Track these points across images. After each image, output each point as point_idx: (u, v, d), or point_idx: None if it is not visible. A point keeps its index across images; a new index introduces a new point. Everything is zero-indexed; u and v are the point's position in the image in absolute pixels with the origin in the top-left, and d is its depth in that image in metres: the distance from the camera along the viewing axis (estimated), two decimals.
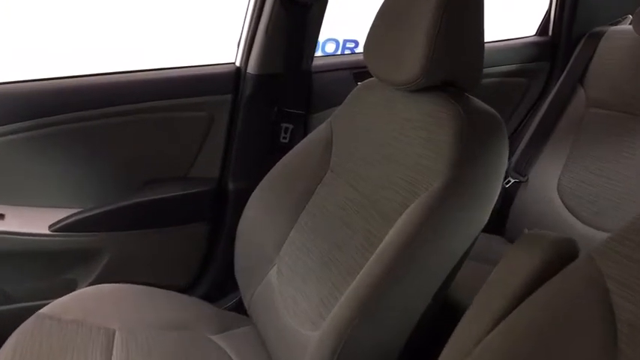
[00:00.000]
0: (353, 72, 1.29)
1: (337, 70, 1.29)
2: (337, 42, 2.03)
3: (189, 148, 1.18)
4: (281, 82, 1.16)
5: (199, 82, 1.14)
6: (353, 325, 0.68)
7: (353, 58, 1.36)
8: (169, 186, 1.18)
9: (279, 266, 0.91)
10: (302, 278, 0.84)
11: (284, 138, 1.20)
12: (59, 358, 0.79)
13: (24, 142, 1.03)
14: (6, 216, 1.06)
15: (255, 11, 1.12)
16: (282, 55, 1.14)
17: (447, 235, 0.71)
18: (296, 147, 1.00)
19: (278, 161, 1.01)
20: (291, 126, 1.20)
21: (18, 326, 0.86)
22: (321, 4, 1.13)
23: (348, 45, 2.11)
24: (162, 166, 1.18)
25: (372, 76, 0.91)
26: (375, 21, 0.86)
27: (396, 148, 0.80)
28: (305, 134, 1.21)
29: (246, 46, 1.15)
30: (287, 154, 1.00)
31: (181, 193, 1.18)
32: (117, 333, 0.87)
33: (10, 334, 0.84)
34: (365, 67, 1.20)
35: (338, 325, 0.69)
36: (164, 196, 1.16)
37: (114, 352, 0.83)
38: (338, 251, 0.81)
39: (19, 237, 1.06)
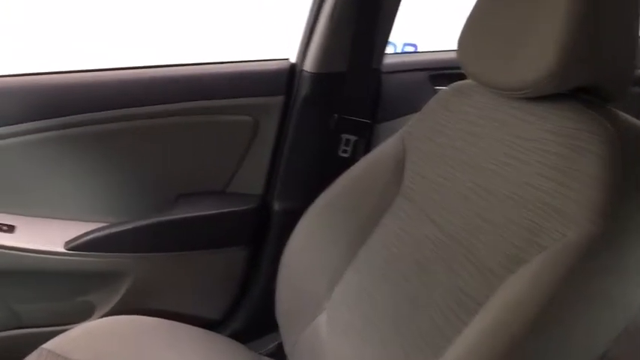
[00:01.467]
0: (430, 74, 1.13)
1: (411, 70, 1.14)
2: (394, 45, 1.96)
3: (230, 158, 1.06)
4: (344, 84, 1.02)
5: (245, 81, 1.03)
6: None
7: (430, 56, 1.22)
8: (204, 202, 1.07)
9: (331, 312, 0.77)
10: (360, 334, 0.70)
11: (344, 151, 1.06)
12: None
13: (40, 143, 0.94)
14: (17, 228, 0.96)
15: None
16: (348, 50, 1.00)
17: (593, 309, 0.51)
18: (358, 163, 0.85)
19: (335, 179, 0.86)
20: (353, 137, 1.05)
21: (24, 353, 0.78)
22: None
23: (407, 49, 2.05)
24: (197, 178, 1.07)
25: (454, 80, 0.76)
26: (476, 7, 0.68)
27: (503, 177, 0.61)
28: (369, 148, 1.06)
29: (305, 39, 1.01)
30: (346, 172, 0.85)
31: (218, 211, 1.06)
32: None
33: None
34: (446, 68, 1.01)
35: None
36: (198, 213, 1.05)
37: None
38: (411, 308, 0.64)
39: (30, 254, 0.96)
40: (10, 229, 0.95)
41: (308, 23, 1.01)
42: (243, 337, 1.07)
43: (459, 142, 0.70)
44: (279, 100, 1.03)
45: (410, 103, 1.01)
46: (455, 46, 0.72)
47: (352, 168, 0.85)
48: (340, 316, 0.74)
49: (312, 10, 0.99)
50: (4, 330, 1.03)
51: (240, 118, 1.03)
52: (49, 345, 0.80)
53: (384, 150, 0.82)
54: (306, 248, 0.85)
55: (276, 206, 1.09)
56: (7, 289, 1.00)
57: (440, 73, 1.13)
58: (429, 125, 0.77)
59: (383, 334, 0.66)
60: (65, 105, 0.93)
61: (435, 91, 1.08)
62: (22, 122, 0.91)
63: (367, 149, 1.06)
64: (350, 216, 0.80)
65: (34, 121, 0.91)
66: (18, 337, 1.03)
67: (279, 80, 1.03)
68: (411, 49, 2.01)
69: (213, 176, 1.07)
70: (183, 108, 0.98)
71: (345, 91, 1.03)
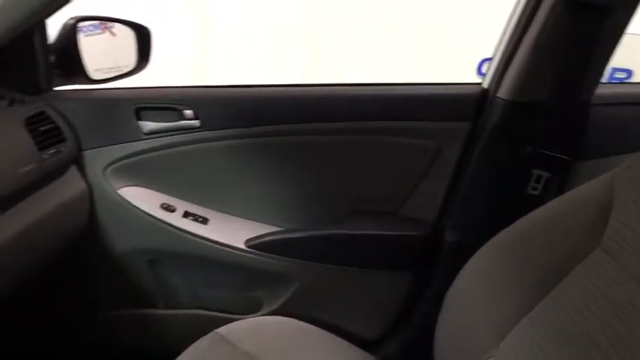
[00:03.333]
0: None
1: (628, 104, 1.00)
2: None
3: (405, 181, 1.05)
4: (543, 114, 0.93)
5: (431, 104, 1.00)
6: None
7: None
8: (374, 221, 1.07)
9: None
10: None
11: (533, 188, 0.97)
12: None
13: (239, 148, 1.03)
14: (210, 221, 1.08)
15: (524, 18, 0.90)
16: (552, 77, 0.91)
17: None
18: (551, 203, 0.77)
19: (520, 217, 0.78)
20: (546, 174, 0.95)
21: (200, 331, 0.88)
22: (628, 7, 0.84)
23: (618, 75, 1.80)
24: (371, 197, 1.07)
25: None
26: None
27: None
28: (564, 188, 0.95)
29: (502, 63, 0.94)
30: (535, 211, 0.77)
31: (386, 232, 1.05)
32: None
33: (195, 336, 0.87)
34: None
35: None
36: (367, 232, 1.05)
37: None
38: None
39: (216, 246, 1.07)
40: (205, 221, 1.07)
41: (506, 47, 0.94)
42: None
43: None
44: (465, 126, 0.99)
45: (624, 142, 0.90)
46: None
47: (543, 208, 0.77)
48: None
49: (512, 33, 0.92)
50: (187, 308, 1.17)
51: (421, 142, 1.01)
52: (221, 330, 0.88)
53: (585, 192, 0.72)
54: (477, 287, 0.79)
55: (449, 237, 1.04)
56: (195, 273, 1.13)
57: None
58: None
59: None
60: (264, 115, 1.00)
61: None
62: (228, 128, 1.01)
63: (561, 189, 0.95)
64: (533, 261, 0.72)
65: (238, 128, 1.01)
66: (196, 316, 1.16)
67: (468, 105, 0.98)
68: (622, 75, 1.75)
69: (387, 197, 1.06)
70: (367, 127, 1.00)
71: (543, 123, 0.94)
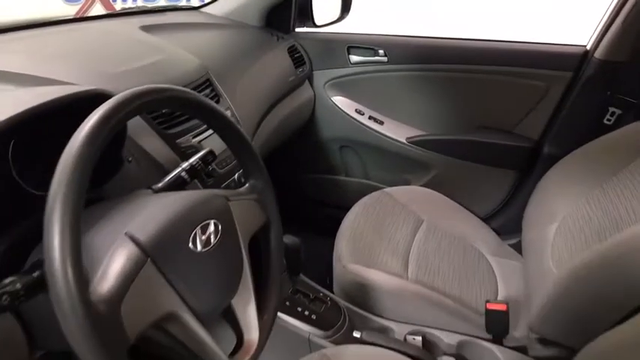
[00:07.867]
0: None
1: None
2: None
3: (520, 109, 1.39)
4: (624, 70, 1.22)
5: (545, 57, 1.31)
6: (588, 269, 0.77)
7: None
8: (495, 134, 1.43)
9: (561, 226, 0.99)
10: (574, 239, 0.93)
11: (608, 120, 1.26)
12: (383, 222, 1.21)
13: (410, 78, 1.48)
14: (384, 123, 1.57)
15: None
16: (636, 43, 1.17)
17: None
18: (618, 131, 1.06)
19: (595, 139, 1.08)
20: (618, 111, 1.24)
21: (367, 193, 1.33)
22: None
23: None
24: (494, 117, 1.44)
25: None
26: None
27: None
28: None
29: (602, 32, 1.23)
30: (607, 135, 1.07)
31: (502, 142, 1.42)
32: (424, 223, 1.24)
33: (362, 197, 1.31)
34: None
35: (574, 269, 0.82)
36: (488, 140, 1.43)
37: (417, 234, 1.20)
38: (614, 229, 0.84)
39: (388, 139, 1.55)
40: (381, 123, 1.56)
41: (608, 20, 1.20)
42: (498, 230, 1.38)
43: None
44: (568, 75, 1.28)
45: None
46: None
47: (612, 133, 1.05)
48: (566, 229, 0.97)
49: (614, 9, 1.17)
50: (359, 178, 1.67)
51: (535, 83, 1.33)
52: (387, 189, 1.33)
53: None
54: (558, 180, 1.11)
55: (546, 149, 1.37)
56: (368, 156, 1.63)
57: None
58: None
59: (588, 239, 0.88)
60: (430, 57, 1.42)
61: None
62: (405, 64, 1.46)
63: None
64: (596, 164, 1.02)
65: (411, 64, 1.45)
66: (365, 184, 1.65)
67: (572, 61, 1.27)
68: None
69: (506, 119, 1.41)
70: (498, 70, 1.33)
71: (623, 76, 1.21)
